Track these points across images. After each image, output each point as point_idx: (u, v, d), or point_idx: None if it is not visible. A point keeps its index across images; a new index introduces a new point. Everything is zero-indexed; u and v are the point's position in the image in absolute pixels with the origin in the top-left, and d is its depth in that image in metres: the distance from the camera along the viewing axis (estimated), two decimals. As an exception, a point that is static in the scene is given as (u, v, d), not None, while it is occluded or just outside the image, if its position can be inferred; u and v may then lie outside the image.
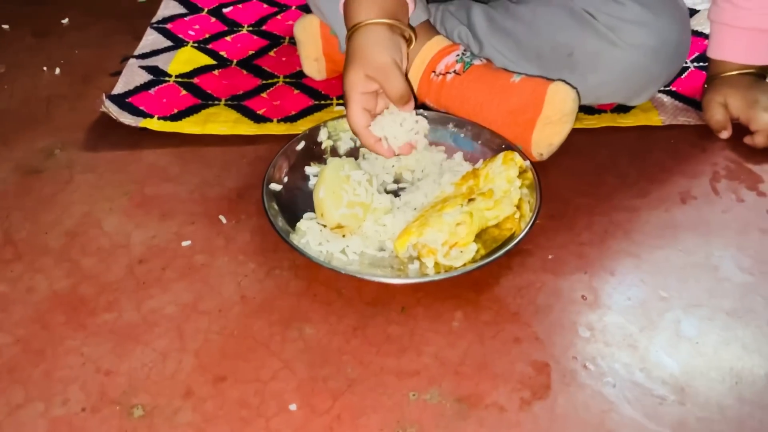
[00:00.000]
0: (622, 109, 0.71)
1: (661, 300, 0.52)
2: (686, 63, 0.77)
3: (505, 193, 0.57)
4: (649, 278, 0.53)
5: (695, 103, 0.72)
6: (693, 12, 0.86)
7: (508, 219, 0.56)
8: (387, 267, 0.53)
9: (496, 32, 0.70)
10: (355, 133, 0.59)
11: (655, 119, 0.70)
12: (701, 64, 0.75)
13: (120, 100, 0.72)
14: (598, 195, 0.62)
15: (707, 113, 0.68)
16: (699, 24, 0.84)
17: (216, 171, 0.64)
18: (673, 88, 0.74)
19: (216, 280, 0.53)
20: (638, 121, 0.70)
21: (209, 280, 0.53)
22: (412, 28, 0.62)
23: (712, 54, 0.70)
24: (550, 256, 0.55)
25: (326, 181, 0.55)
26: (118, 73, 0.77)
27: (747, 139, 0.67)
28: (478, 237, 0.55)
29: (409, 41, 0.61)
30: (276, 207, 0.56)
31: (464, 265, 0.52)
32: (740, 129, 0.67)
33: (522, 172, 0.59)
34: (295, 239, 0.53)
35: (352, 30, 0.58)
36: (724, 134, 0.67)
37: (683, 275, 0.54)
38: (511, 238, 0.54)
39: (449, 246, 0.53)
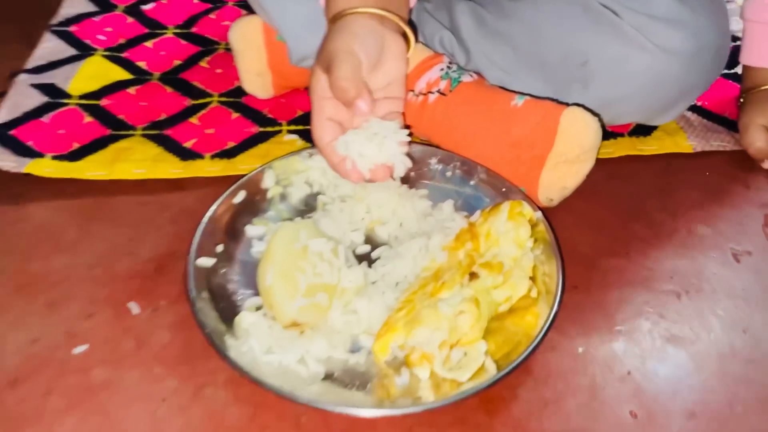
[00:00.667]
0: (643, 131, 0.58)
1: (734, 415, 0.38)
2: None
3: (515, 262, 0.43)
4: (717, 382, 0.40)
5: (726, 122, 0.59)
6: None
7: (523, 298, 0.42)
8: (363, 382, 0.38)
9: (488, 36, 0.55)
10: (317, 149, 0.45)
11: (684, 145, 0.56)
12: (730, 71, 0.62)
13: (1, 134, 0.55)
14: (628, 254, 0.48)
15: (746, 138, 0.55)
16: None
17: (127, 233, 0.48)
18: (699, 103, 0.60)
19: (121, 410, 0.38)
20: (664, 147, 0.56)
21: (111, 410, 0.38)
22: (413, 25, 0.46)
23: (748, 60, 0.57)
24: (580, 349, 0.42)
25: (275, 259, 0.40)
26: (2, 95, 0.60)
27: (797, 170, 0.54)
28: (486, 329, 0.40)
29: (408, 39, 0.46)
30: (206, 294, 0.41)
31: (474, 375, 0.37)
32: (787, 156, 0.55)
33: (532, 227, 0.45)
34: (233, 346, 0.38)
35: (330, 22, 0.45)
36: None
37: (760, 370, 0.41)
38: (530, 327, 0.40)
39: (449, 346, 0.38)
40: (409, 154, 0.46)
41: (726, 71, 0.63)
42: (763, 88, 0.56)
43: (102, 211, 0.50)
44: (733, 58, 0.58)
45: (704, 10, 0.51)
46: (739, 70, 0.61)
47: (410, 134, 0.46)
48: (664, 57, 0.51)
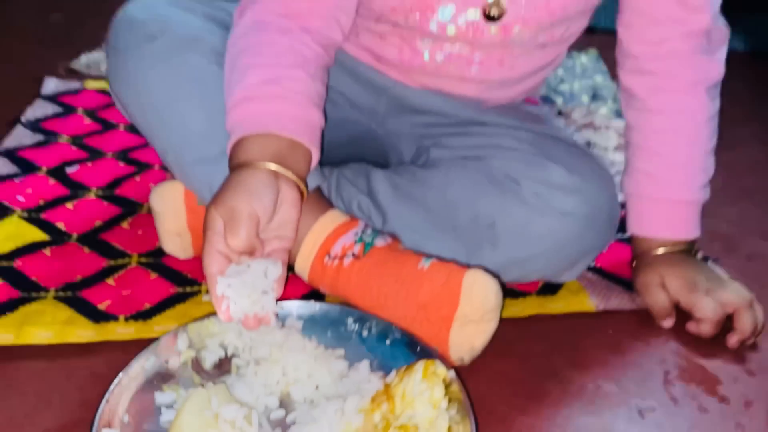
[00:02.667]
0: (549, 289, 0.61)
1: None
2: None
3: (430, 423, 0.43)
4: None
5: (623, 282, 0.63)
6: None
7: (438, 462, 0.42)
8: None
9: (402, 200, 0.59)
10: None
11: (587, 304, 0.60)
12: (621, 236, 0.68)
13: None
14: (540, 411, 0.49)
15: (648, 298, 0.59)
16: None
17: (30, 401, 0.46)
18: (598, 265, 0.65)
19: None
20: (569, 306, 0.60)
21: None
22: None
23: (634, 230, 0.62)
24: None
25: (184, 428, 0.39)
26: None
27: (691, 327, 0.58)
28: (400, 497, 0.40)
29: (302, 193, 0.50)
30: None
31: None
32: (679, 313, 0.59)
33: (446, 386, 0.46)
34: None
35: (231, 168, 0.48)
36: (668, 322, 0.59)
37: None
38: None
39: None
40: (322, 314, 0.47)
41: (620, 236, 0.69)
42: (652, 253, 0.61)
43: (3, 378, 0.48)
44: (624, 224, 0.64)
45: (594, 180, 0.57)
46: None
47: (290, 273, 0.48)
48: (562, 220, 0.55)
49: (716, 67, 0.59)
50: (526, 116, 0.64)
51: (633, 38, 0.59)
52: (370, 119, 0.66)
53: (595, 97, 1.04)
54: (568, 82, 1.11)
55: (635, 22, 0.59)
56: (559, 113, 0.97)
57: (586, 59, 1.18)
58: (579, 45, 1.02)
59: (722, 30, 0.59)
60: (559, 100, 1.03)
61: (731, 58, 1.06)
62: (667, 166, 0.60)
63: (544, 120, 0.65)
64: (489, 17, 0.55)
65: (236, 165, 0.48)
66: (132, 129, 0.81)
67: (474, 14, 0.56)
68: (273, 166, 0.48)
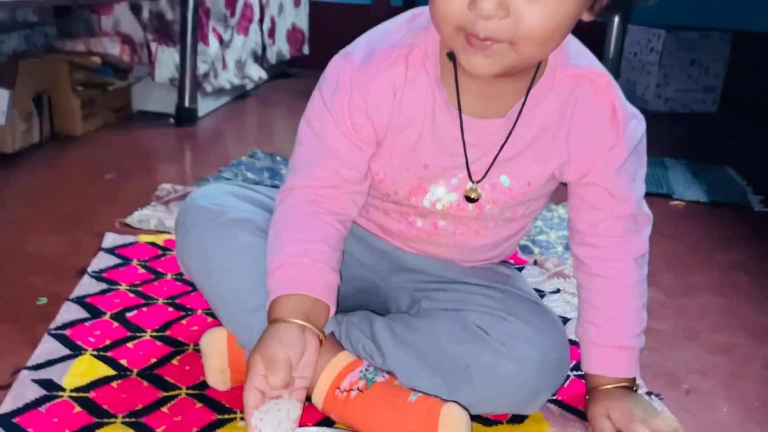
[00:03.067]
0: (517, 419, 0.75)
1: None
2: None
3: None
4: None
5: (580, 413, 0.77)
6: (565, 320, 0.96)
7: None
8: None
9: (399, 344, 0.75)
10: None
11: (548, 431, 0.74)
12: (579, 372, 0.82)
13: (5, 422, 0.68)
14: None
15: (596, 427, 0.73)
16: (572, 333, 0.93)
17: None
18: (559, 398, 0.79)
19: None
20: (532, 433, 0.74)
21: None
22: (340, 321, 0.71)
23: (585, 369, 0.77)
24: None
25: None
26: (7, 387, 0.74)
27: (631, 451, 0.71)
28: None
29: (321, 341, 0.67)
30: None
31: None
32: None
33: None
34: None
35: (270, 322, 0.66)
36: None
37: None
38: None
39: None
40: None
41: (577, 372, 0.83)
42: (600, 388, 0.75)
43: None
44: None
45: (548, 332, 0.73)
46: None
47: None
48: (523, 364, 0.71)
49: (642, 243, 0.76)
50: (499, 276, 0.81)
51: (578, 218, 0.76)
52: (375, 276, 0.84)
53: (567, 246, 1.21)
54: (545, 233, 1.29)
55: (579, 206, 0.75)
56: (535, 262, 1.14)
57: (563, 211, 1.37)
58: (557, 198, 1.21)
59: (646, 215, 0.76)
60: (536, 250, 1.20)
61: (695, 209, 1.27)
62: (607, 319, 0.75)
63: (513, 280, 0.82)
64: (468, 199, 0.74)
65: (274, 319, 0.66)
66: (178, 278, 0.99)
67: (456, 197, 0.74)
68: (301, 322, 0.65)
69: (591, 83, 0.69)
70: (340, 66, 0.70)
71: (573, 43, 0.70)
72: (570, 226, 0.78)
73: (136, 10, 1.82)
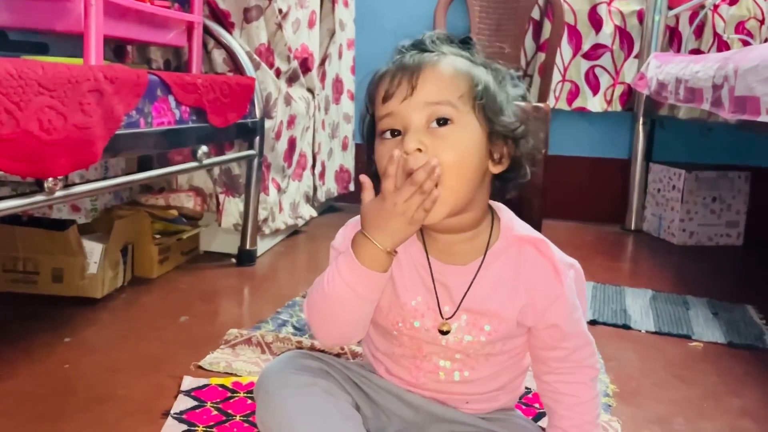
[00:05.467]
0: None
1: None
2: None
3: None
4: None
5: None
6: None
7: None
8: None
9: None
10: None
11: None
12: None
13: None
14: None
15: None
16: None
17: None
18: None
19: None
20: None
21: None
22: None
23: None
24: None
25: None
26: None
27: None
28: None
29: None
30: None
31: None
32: None
33: None
34: None
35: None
36: None
37: None
38: None
39: None
40: None
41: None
42: None
43: None
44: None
45: None
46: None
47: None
48: None
49: (595, 368, 0.94)
50: (510, 426, 0.97)
51: (546, 357, 0.93)
52: (414, 427, 0.99)
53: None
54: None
55: (543, 347, 0.93)
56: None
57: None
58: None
59: (591, 343, 0.94)
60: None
61: (712, 350, 1.40)
62: (573, 426, 0.92)
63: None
64: (441, 332, 0.91)
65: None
66: (246, 420, 1.16)
67: (434, 330, 0.91)
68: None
69: (533, 246, 0.88)
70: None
71: (517, 221, 0.92)
72: (536, 359, 0.96)
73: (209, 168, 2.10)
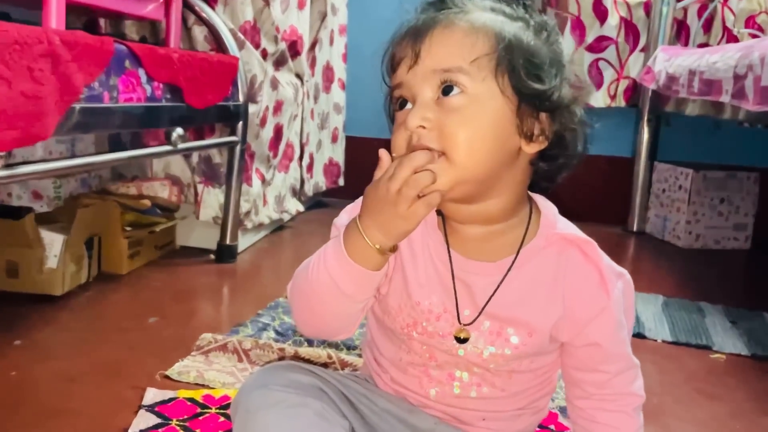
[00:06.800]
0: None
1: None
2: None
3: None
4: None
5: None
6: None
7: None
8: None
9: None
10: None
11: None
12: None
13: None
14: None
15: None
16: None
17: None
18: None
19: None
20: None
21: None
22: None
23: None
24: None
25: None
26: None
27: None
28: None
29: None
30: None
31: None
32: None
33: None
34: None
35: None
36: None
37: None
38: None
39: None
40: None
41: None
42: None
43: None
44: None
45: None
46: None
47: None
48: None
49: (639, 396, 0.78)
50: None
51: (582, 380, 0.78)
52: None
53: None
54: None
55: (581, 367, 0.77)
56: None
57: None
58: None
59: (636, 366, 0.78)
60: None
61: (736, 363, 1.24)
62: None
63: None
64: (458, 340, 0.75)
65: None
66: (218, 443, 0.99)
67: (450, 337, 0.75)
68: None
69: (579, 249, 0.74)
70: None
71: (561, 219, 0.77)
72: (569, 381, 0.80)
73: (186, 154, 1.93)
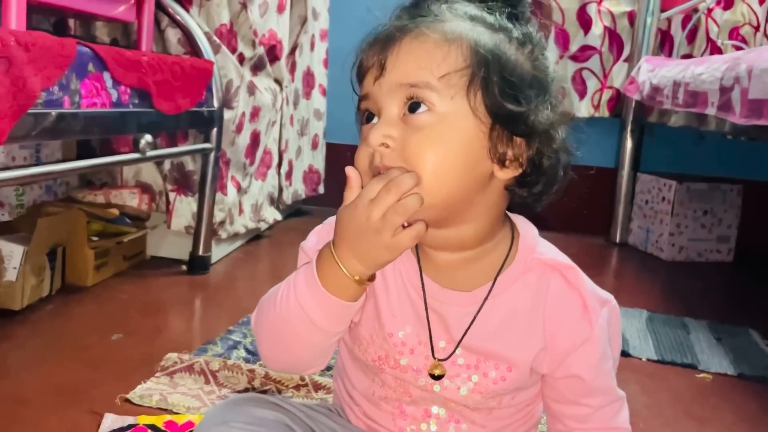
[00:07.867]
0: None
1: None
2: None
3: None
4: None
5: None
6: None
7: None
8: None
9: None
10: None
11: None
12: None
13: None
14: None
15: None
16: None
17: None
18: None
19: None
20: None
21: None
22: None
23: None
24: None
25: None
26: None
27: None
28: None
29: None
30: None
31: None
32: None
33: None
34: None
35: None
36: None
37: None
38: None
39: None
40: None
41: None
42: None
43: None
44: None
45: None
46: None
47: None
48: None
49: (625, 428, 0.73)
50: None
51: (563, 413, 0.72)
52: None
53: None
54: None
55: (561, 400, 0.72)
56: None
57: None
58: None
59: (621, 398, 0.73)
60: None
61: (722, 383, 1.18)
62: None
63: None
64: (432, 377, 0.70)
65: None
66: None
67: (424, 371, 0.70)
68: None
69: (560, 274, 0.69)
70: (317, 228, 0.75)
71: (541, 242, 0.72)
72: (550, 414, 0.74)
73: (158, 161, 1.86)
